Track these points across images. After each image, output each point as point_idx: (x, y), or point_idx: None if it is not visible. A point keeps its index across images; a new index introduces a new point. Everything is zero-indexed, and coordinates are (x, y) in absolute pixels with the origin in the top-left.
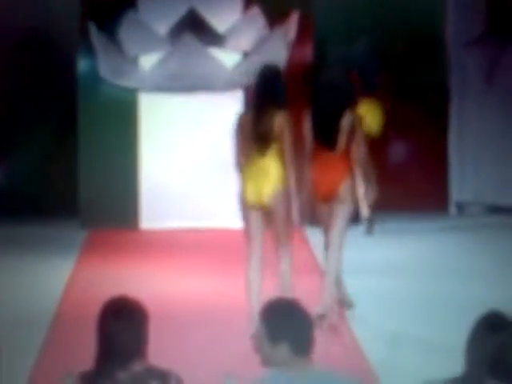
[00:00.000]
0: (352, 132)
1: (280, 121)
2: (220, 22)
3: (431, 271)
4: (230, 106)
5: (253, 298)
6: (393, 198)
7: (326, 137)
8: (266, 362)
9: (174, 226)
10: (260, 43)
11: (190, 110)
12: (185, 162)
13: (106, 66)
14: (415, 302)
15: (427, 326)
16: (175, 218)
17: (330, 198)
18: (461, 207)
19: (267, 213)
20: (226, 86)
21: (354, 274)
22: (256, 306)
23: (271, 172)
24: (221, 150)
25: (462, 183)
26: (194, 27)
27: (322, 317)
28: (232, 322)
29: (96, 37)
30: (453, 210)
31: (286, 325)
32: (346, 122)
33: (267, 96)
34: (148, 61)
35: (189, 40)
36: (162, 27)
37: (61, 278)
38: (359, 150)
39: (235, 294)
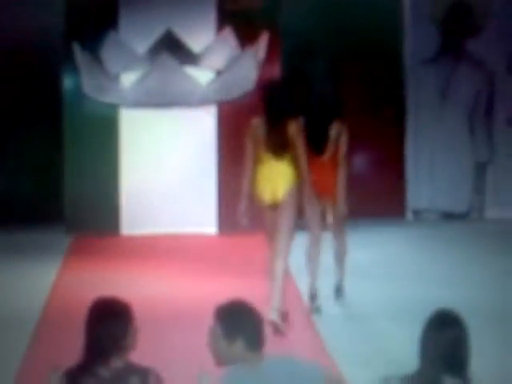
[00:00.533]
0: (338, 139)
1: (292, 129)
2: (195, 42)
3: (389, 271)
4: (204, 120)
5: (275, 292)
6: (354, 205)
7: (316, 143)
8: (221, 361)
9: (152, 231)
10: (232, 62)
11: (168, 124)
12: (163, 173)
13: (89, 83)
14: (376, 301)
15: (386, 322)
16: (154, 224)
17: (324, 194)
18: (417, 213)
19: (277, 211)
20: (201, 102)
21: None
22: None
23: (285, 173)
24: (196, 161)
25: (417, 192)
26: (171, 47)
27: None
28: (207, 323)
29: (80, 55)
30: (409, 216)
31: (240, 323)
32: (333, 130)
33: (279, 108)
34: (128, 78)
35: (166, 59)
36: (141, 47)
37: (46, 282)
38: (343, 156)
39: (209, 294)
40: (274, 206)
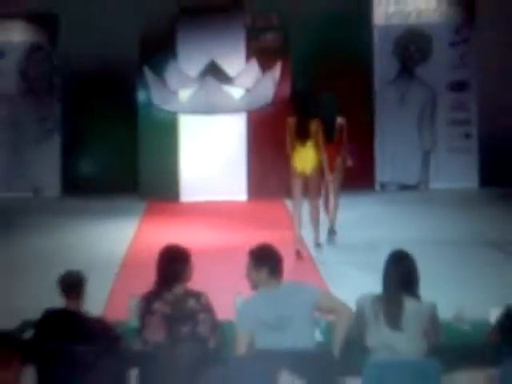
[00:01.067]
0: (341, 130)
1: (314, 125)
2: (230, 68)
3: (364, 223)
4: (237, 124)
5: (297, 226)
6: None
7: (328, 133)
8: (254, 286)
9: (202, 199)
10: (257, 83)
11: (212, 125)
12: (209, 158)
13: (156, 96)
14: (356, 241)
15: (363, 254)
16: (203, 193)
17: (332, 169)
18: (382, 185)
19: (306, 179)
20: (235, 111)
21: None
22: (299, 230)
23: (310, 156)
24: (232, 150)
25: (383, 170)
26: (214, 72)
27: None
28: (240, 258)
29: (150, 76)
30: (377, 187)
31: (264, 258)
32: (337, 125)
33: (306, 111)
34: (184, 93)
35: (210, 80)
36: (193, 72)
37: (128, 234)
38: (344, 141)
39: (242, 241)
40: (303, 176)
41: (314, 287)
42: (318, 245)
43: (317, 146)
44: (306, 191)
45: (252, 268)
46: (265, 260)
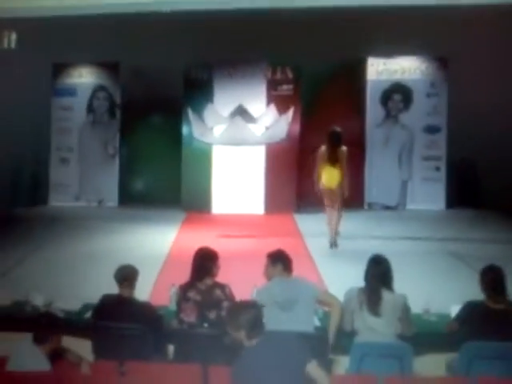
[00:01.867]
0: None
1: (341, 151)
2: (254, 111)
3: (355, 234)
4: (258, 153)
5: (330, 229)
6: None
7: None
8: (269, 279)
9: (229, 211)
10: (274, 122)
11: (238, 154)
12: (235, 179)
13: (196, 131)
14: (349, 248)
15: (351, 259)
16: (230, 207)
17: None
18: (370, 205)
19: (332, 192)
20: (256, 144)
21: (314, 236)
22: (332, 233)
23: (336, 174)
24: (253, 173)
25: (370, 193)
26: (242, 113)
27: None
28: (257, 258)
29: (191, 115)
30: (366, 206)
31: (279, 257)
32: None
33: (334, 142)
34: (218, 129)
35: (238, 120)
36: (225, 112)
37: (171, 238)
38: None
39: (260, 245)
40: (330, 190)
41: (315, 284)
42: (333, 244)
43: (341, 168)
44: (330, 202)
45: (269, 265)
46: (279, 259)
